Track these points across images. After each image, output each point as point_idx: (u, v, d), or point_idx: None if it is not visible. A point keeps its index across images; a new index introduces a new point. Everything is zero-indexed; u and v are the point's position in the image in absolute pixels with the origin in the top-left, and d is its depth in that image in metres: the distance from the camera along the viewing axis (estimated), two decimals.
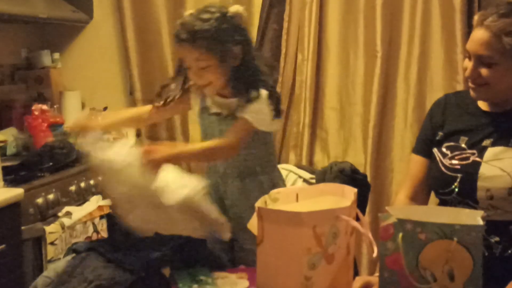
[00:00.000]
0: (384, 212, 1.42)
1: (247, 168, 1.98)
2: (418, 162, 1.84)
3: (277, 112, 1.92)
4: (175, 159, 1.87)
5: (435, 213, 1.44)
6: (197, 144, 1.92)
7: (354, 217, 1.37)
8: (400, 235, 1.37)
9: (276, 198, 1.44)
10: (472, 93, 1.72)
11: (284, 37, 3.31)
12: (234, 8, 1.87)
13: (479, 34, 1.64)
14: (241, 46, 1.87)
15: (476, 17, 1.68)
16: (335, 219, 1.30)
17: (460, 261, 1.34)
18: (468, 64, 1.68)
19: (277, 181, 2.04)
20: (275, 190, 1.48)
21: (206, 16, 1.84)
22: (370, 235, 1.35)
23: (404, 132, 3.23)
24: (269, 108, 1.90)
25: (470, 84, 1.70)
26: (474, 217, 1.39)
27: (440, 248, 1.35)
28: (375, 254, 1.35)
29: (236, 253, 2.02)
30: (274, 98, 1.92)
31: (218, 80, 1.88)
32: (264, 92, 1.89)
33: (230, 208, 2.01)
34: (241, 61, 1.88)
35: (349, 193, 1.42)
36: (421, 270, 1.37)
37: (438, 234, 1.35)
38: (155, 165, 1.77)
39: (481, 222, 1.36)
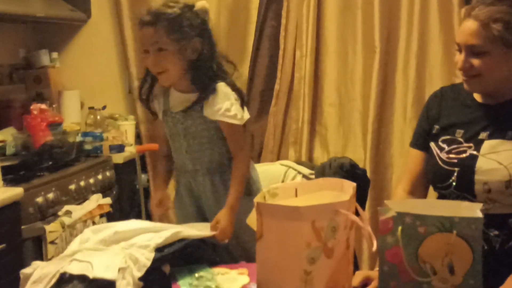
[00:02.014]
0: (383, 206, 1.42)
1: (216, 163, 2.01)
2: (416, 156, 1.84)
3: (242, 101, 1.97)
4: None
5: (434, 206, 1.44)
6: (234, 179, 1.94)
7: (353, 211, 1.37)
8: (400, 228, 1.37)
9: (275, 193, 1.43)
10: (465, 85, 1.72)
11: (282, 33, 3.31)
12: (200, 4, 1.93)
13: (468, 25, 1.65)
14: (201, 39, 1.91)
15: (463, 10, 1.69)
16: (334, 213, 1.30)
17: (460, 254, 1.34)
18: (460, 57, 1.68)
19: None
20: (274, 186, 1.47)
21: (171, 3, 1.91)
22: (369, 229, 1.35)
23: (403, 127, 3.23)
24: (237, 100, 1.94)
25: (462, 77, 1.71)
26: (474, 210, 1.39)
27: (440, 241, 1.35)
28: (374, 248, 1.35)
29: (219, 251, 2.01)
30: (236, 90, 1.96)
31: (174, 68, 1.90)
32: (224, 87, 1.92)
33: (205, 205, 2.02)
34: (200, 55, 1.91)
35: (348, 187, 1.41)
36: (421, 263, 1.37)
37: (437, 227, 1.35)
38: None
39: (480, 215, 1.36)
